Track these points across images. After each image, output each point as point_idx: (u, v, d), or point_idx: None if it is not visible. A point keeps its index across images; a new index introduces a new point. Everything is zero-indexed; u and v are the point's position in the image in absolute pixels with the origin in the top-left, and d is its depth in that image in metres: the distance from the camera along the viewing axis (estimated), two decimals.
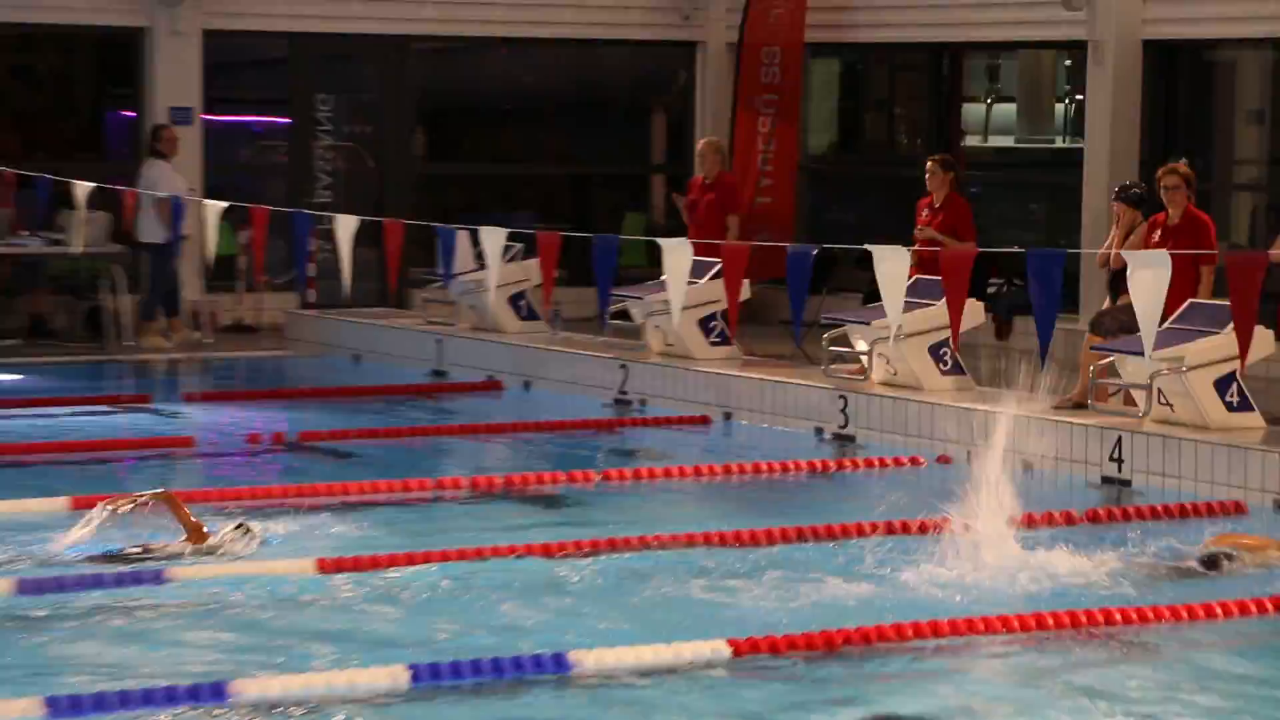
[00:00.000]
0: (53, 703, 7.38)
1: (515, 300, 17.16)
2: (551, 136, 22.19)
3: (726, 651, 8.26)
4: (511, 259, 16.59)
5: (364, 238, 17.08)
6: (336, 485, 11.86)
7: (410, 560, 9.88)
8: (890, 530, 10.74)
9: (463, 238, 16.48)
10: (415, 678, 7.80)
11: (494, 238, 15.64)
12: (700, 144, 17.68)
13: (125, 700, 7.46)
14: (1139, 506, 11.50)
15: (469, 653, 8.12)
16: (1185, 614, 9.04)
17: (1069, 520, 11.12)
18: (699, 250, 14.69)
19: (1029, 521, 11.01)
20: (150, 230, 18.35)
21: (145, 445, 13.46)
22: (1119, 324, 13.30)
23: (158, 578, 9.44)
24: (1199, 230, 13.26)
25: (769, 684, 8.00)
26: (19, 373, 16.82)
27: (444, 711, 7.49)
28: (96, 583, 9.31)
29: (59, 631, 8.63)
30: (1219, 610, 9.10)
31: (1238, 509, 11.54)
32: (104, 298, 18.42)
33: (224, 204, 15.83)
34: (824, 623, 8.68)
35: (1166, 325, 12.45)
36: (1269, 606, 9.20)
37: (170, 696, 7.49)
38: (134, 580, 9.39)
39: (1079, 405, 13.17)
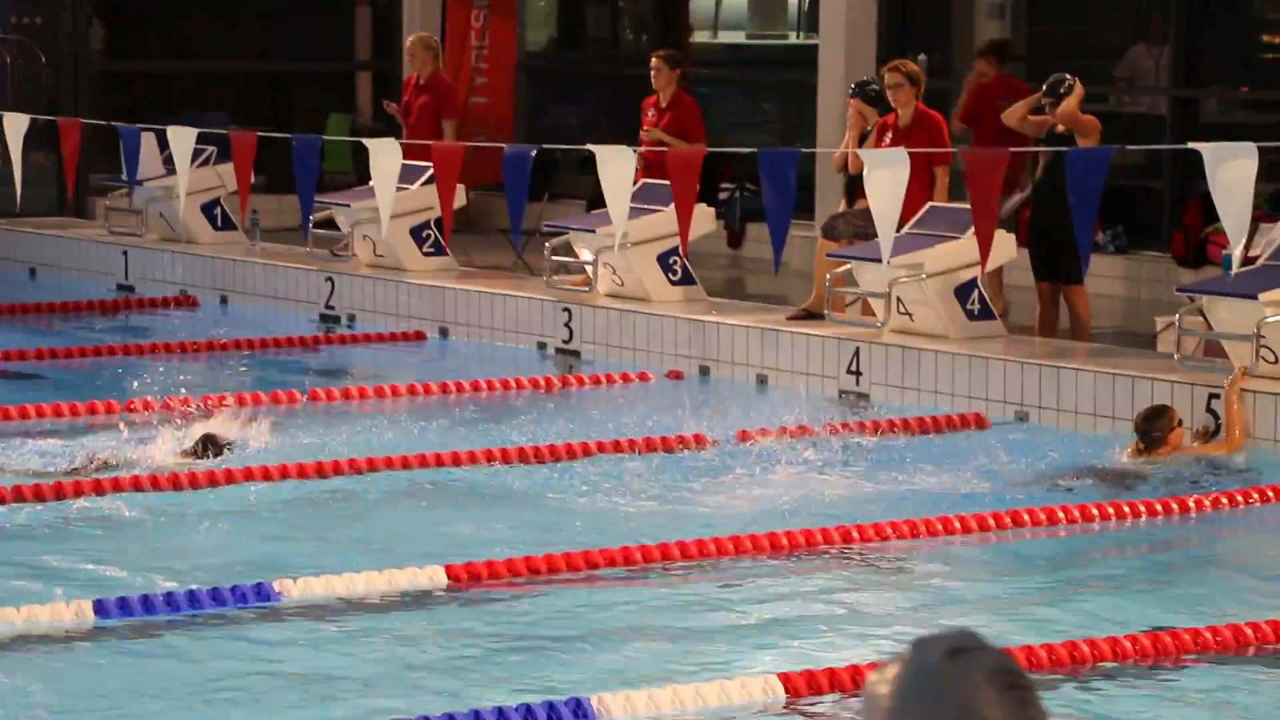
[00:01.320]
0: None
1: (209, 208, 16.97)
2: (245, 29, 21.93)
3: (443, 579, 8.37)
4: (203, 163, 16.39)
5: (37, 140, 16.73)
6: (13, 409, 11.70)
7: (98, 489, 9.82)
8: (617, 449, 10.93)
9: (148, 140, 16.26)
10: (101, 613, 7.79)
11: (183, 139, 15.47)
12: (409, 40, 17.57)
13: None
14: (877, 421, 11.82)
15: (162, 586, 8.12)
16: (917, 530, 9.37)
17: (805, 435, 11.39)
18: (409, 153, 14.70)
19: (763, 436, 11.28)
20: None
21: None
22: (853, 229, 13.60)
23: None
24: (931, 129, 13.55)
25: (487, 611, 8.13)
26: None
27: (134, 651, 7.47)
28: None
29: None
30: (959, 524, 9.45)
31: (979, 422, 11.93)
32: None
33: None
34: (545, 546, 8.83)
35: (905, 230, 12.79)
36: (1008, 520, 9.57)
37: None
38: None
39: (814, 315, 13.47)
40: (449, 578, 8.37)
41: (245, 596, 7.99)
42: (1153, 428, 10.75)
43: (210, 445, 10.61)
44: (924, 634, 2.39)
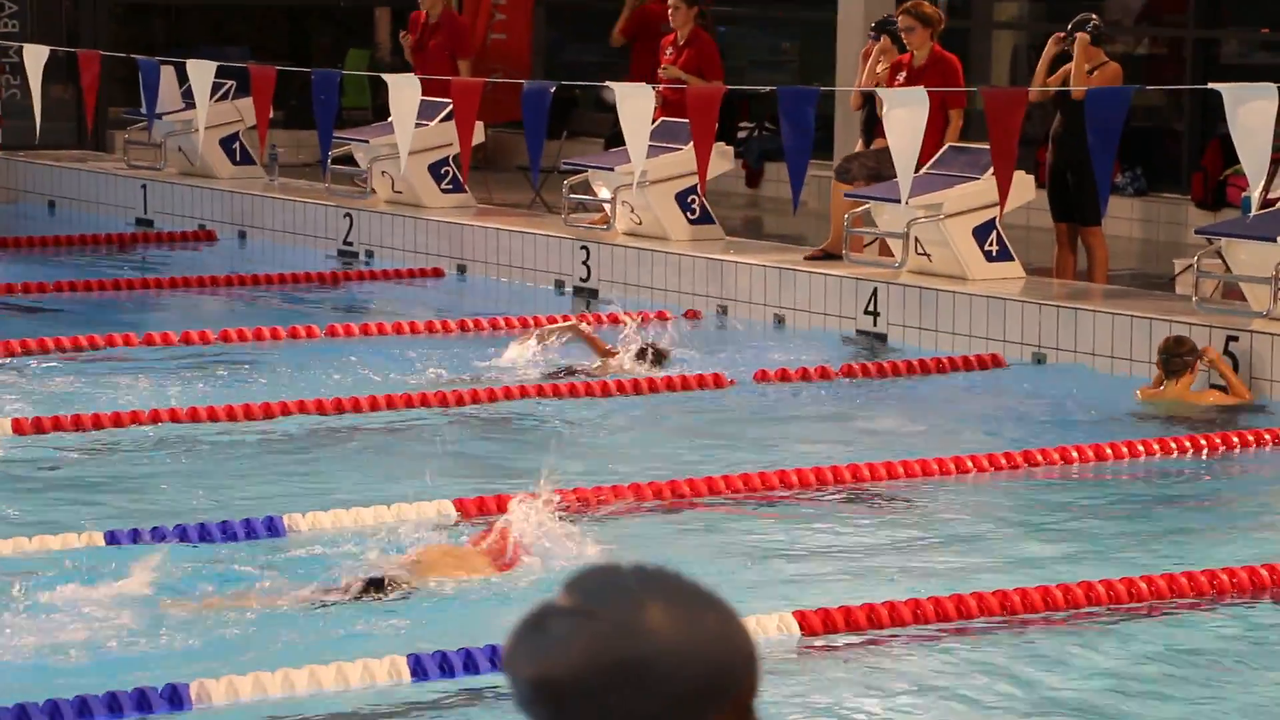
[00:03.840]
0: None
1: (227, 143, 16.91)
2: None
3: (453, 512, 8.34)
4: (222, 97, 16.32)
5: (56, 73, 16.66)
6: (32, 341, 11.68)
7: (117, 421, 9.79)
8: (636, 389, 10.89)
9: (167, 73, 16.19)
10: (113, 543, 7.77)
11: (202, 73, 15.41)
12: None
13: None
14: (894, 361, 11.77)
15: (175, 518, 8.09)
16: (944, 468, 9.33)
17: (824, 375, 11.35)
18: (428, 89, 14.62)
19: (782, 377, 11.24)
20: None
21: None
22: (866, 170, 13.51)
23: None
24: (946, 71, 13.37)
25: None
26: None
27: (149, 579, 7.43)
28: None
29: None
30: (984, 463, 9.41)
31: (995, 362, 11.87)
32: None
33: None
34: (557, 482, 8.78)
35: (924, 170, 12.70)
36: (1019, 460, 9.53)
37: None
38: None
39: (831, 256, 13.39)
40: (457, 511, 8.34)
41: (255, 531, 7.97)
42: (1180, 351, 10.70)
43: (657, 355, 11.31)
44: (571, 573, 2.27)
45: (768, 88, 15.03)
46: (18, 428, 9.63)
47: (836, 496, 8.96)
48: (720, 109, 13.38)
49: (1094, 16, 13.09)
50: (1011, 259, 12.78)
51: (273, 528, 8.01)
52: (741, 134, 18.32)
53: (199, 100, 15.34)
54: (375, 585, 7.24)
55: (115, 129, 18.66)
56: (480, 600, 7.27)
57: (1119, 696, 6.65)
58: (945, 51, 13.58)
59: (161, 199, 16.77)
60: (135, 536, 7.82)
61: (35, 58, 14.99)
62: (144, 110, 16.10)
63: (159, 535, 7.85)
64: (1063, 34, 13.01)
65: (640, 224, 14.29)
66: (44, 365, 11.27)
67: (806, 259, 13.44)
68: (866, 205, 13.12)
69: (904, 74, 13.40)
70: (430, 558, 7.44)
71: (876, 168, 13.23)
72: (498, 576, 7.42)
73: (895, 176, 12.93)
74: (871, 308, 12.68)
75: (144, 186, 16.90)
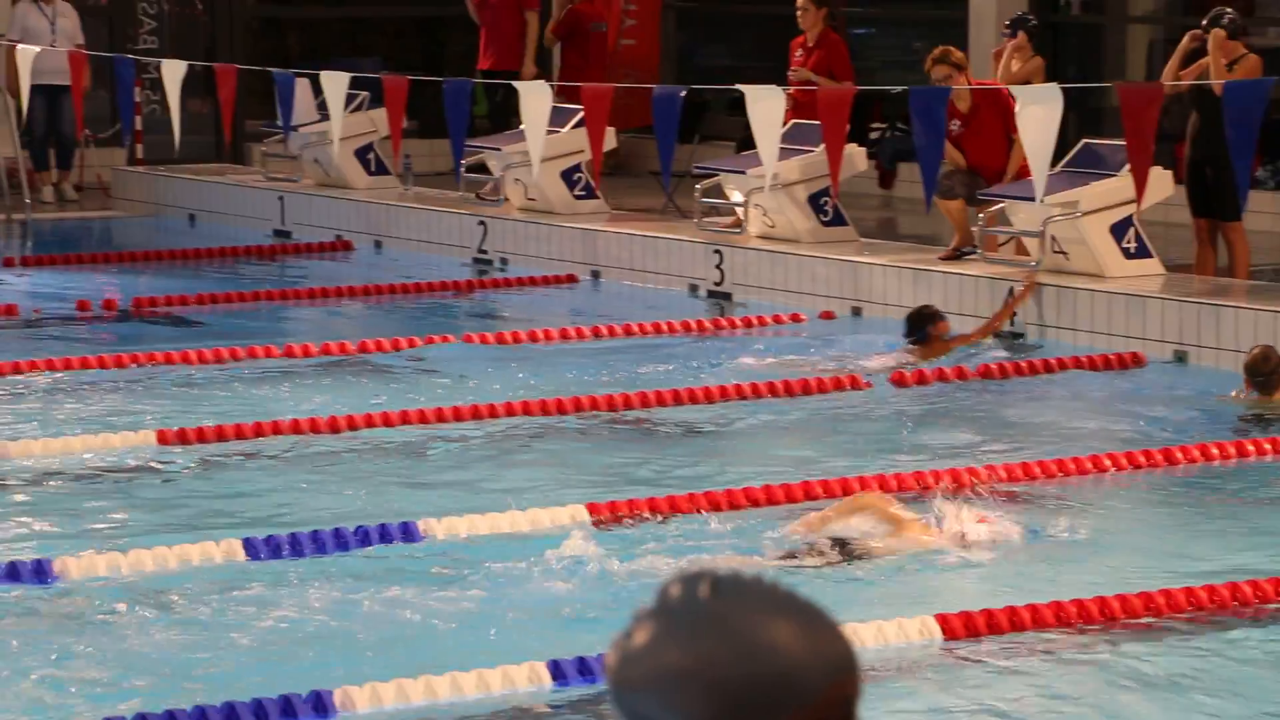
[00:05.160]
0: None
1: (362, 153, 17.03)
2: None
3: (586, 517, 8.35)
4: (356, 108, 16.44)
5: (194, 87, 16.84)
6: (175, 354, 11.81)
7: (258, 431, 9.89)
8: (772, 391, 10.87)
9: (302, 86, 16.34)
10: (251, 553, 7.84)
11: (336, 85, 15.53)
12: None
13: None
14: (1032, 360, 11.68)
15: (315, 526, 8.13)
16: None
17: (961, 376, 11.28)
18: (499, 51, 14.66)
19: (919, 379, 11.19)
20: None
21: None
22: (965, 188, 13.43)
23: None
24: (1000, 102, 13.37)
25: (631, 547, 8.07)
26: None
27: (288, 586, 7.49)
28: None
29: None
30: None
31: (1135, 361, 11.75)
32: None
33: (36, 48, 15.56)
34: (692, 486, 8.79)
35: (1059, 167, 12.61)
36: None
37: None
38: None
39: (963, 252, 13.31)
40: (592, 517, 8.34)
41: (390, 536, 8.02)
42: (1269, 367, 10.51)
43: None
44: (669, 578, 2.28)
45: (899, 88, 14.95)
46: (161, 438, 9.75)
47: (976, 498, 8.88)
48: (852, 110, 13.34)
49: (1229, 10, 12.94)
50: (1150, 256, 12.65)
51: (408, 534, 8.06)
52: (874, 135, 18.25)
53: (333, 112, 15.46)
54: (839, 545, 7.72)
55: (252, 142, 18.85)
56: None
57: (1268, 702, 6.56)
58: (989, 82, 13.68)
59: (298, 210, 16.92)
60: (273, 544, 7.88)
61: (173, 73, 15.16)
62: (280, 123, 16.26)
63: (296, 543, 7.91)
64: (1199, 30, 12.87)
65: (773, 227, 14.26)
66: (187, 377, 11.39)
67: (941, 259, 13.36)
68: (1001, 204, 13.03)
69: (959, 122, 13.38)
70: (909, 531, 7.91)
71: (971, 185, 13.28)
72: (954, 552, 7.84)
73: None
74: None
75: (281, 198, 17.06)
